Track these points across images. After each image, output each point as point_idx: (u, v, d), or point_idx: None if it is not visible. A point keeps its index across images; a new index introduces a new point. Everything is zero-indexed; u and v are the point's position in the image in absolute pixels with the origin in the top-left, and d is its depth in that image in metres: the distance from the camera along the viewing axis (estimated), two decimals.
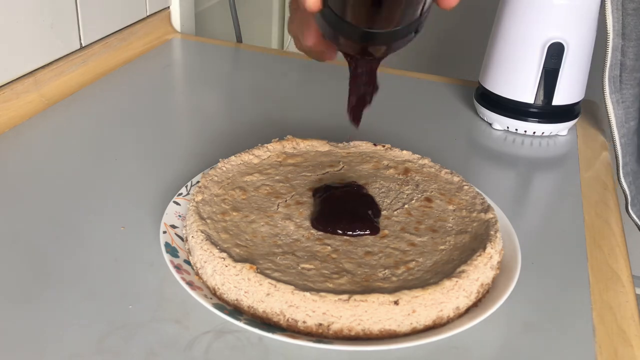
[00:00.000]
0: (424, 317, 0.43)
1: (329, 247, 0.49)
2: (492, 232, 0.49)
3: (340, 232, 0.50)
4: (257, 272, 0.44)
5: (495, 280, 0.48)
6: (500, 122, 0.77)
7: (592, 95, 0.82)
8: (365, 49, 0.43)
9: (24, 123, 0.71)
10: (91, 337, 0.43)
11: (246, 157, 0.59)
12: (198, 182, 0.56)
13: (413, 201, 0.55)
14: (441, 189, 0.57)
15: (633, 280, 0.54)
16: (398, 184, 0.57)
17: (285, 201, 0.54)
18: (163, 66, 0.93)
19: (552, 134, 0.77)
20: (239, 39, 1.08)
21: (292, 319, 0.43)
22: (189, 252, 0.49)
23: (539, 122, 0.75)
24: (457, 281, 0.44)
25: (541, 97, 0.74)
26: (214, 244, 0.47)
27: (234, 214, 0.52)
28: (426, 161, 0.60)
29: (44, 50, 0.77)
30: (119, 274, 0.49)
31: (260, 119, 0.77)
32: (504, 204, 0.58)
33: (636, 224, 0.80)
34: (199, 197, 0.52)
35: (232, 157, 0.59)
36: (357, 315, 0.42)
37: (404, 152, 0.61)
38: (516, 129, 0.76)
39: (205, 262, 0.46)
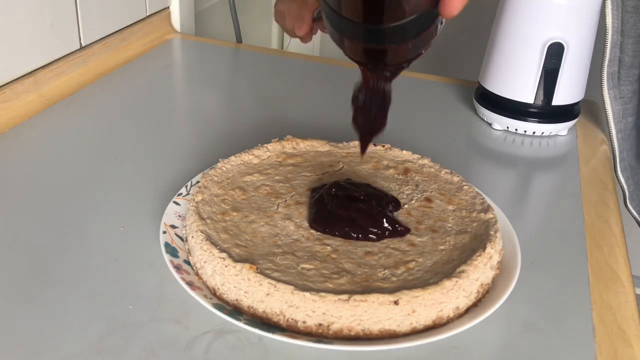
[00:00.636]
0: (424, 317, 0.43)
1: (329, 247, 0.49)
2: (492, 232, 0.49)
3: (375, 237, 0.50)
4: (257, 272, 0.44)
5: (495, 280, 0.48)
6: (500, 122, 0.77)
7: (592, 95, 0.82)
8: (371, 52, 0.41)
9: (24, 123, 0.71)
10: (91, 337, 0.43)
11: (246, 157, 0.59)
12: (198, 182, 0.56)
13: (413, 201, 0.55)
14: (441, 189, 0.57)
15: (633, 280, 0.54)
16: (398, 184, 0.57)
17: (285, 201, 0.54)
18: (163, 66, 0.93)
19: (552, 134, 0.77)
20: (239, 39, 1.08)
21: (292, 319, 0.43)
22: (188, 252, 0.49)
23: (538, 122, 0.75)
24: (457, 281, 0.44)
25: (541, 97, 0.74)
26: (214, 244, 0.47)
27: (234, 214, 0.52)
28: (426, 161, 0.60)
29: (44, 50, 0.77)
30: (119, 274, 0.49)
31: (260, 119, 0.77)
32: (504, 204, 0.58)
33: (635, 219, 0.80)
34: (199, 197, 0.52)
35: (232, 157, 0.59)
36: (357, 315, 0.42)
37: (404, 152, 0.61)
38: (516, 129, 0.76)
39: (205, 262, 0.46)
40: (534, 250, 0.54)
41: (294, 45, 1.50)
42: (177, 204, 0.55)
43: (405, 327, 0.43)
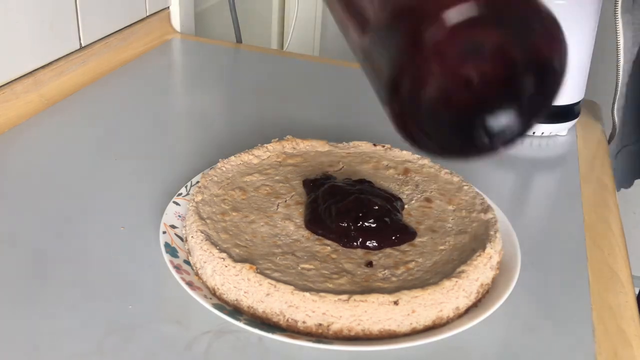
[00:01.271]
0: (424, 317, 0.43)
1: (329, 248, 0.49)
2: (491, 232, 0.49)
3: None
4: (257, 272, 0.44)
5: (495, 280, 0.48)
6: None
7: (592, 95, 0.81)
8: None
9: (24, 123, 0.71)
10: (91, 337, 0.43)
11: (246, 157, 0.59)
12: (198, 182, 0.56)
13: (413, 201, 0.55)
14: (441, 189, 0.57)
15: (633, 280, 0.54)
16: (398, 184, 0.57)
17: (285, 201, 0.54)
18: (163, 66, 0.93)
19: (552, 134, 0.77)
20: (239, 39, 1.08)
21: (291, 319, 0.43)
22: (188, 252, 0.49)
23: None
24: (456, 281, 0.44)
25: None
26: (214, 244, 0.47)
27: (234, 214, 0.52)
28: (426, 161, 0.60)
29: (43, 50, 0.77)
30: (119, 274, 0.49)
31: (260, 119, 0.77)
32: (504, 204, 0.58)
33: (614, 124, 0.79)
34: (199, 197, 0.52)
35: (232, 158, 0.59)
36: (357, 315, 0.42)
37: (404, 152, 0.61)
38: None
39: (205, 262, 0.46)
40: (534, 250, 0.54)
41: (294, 45, 1.50)
42: (177, 204, 0.55)
43: (405, 327, 0.43)
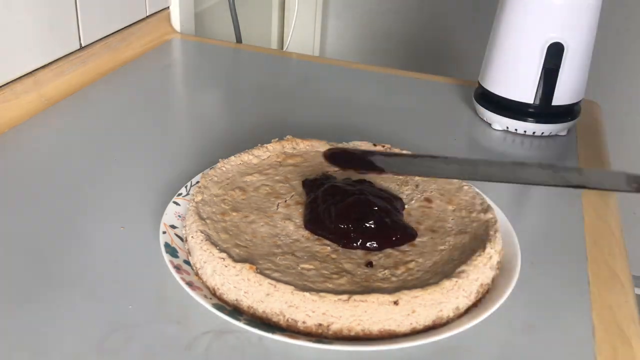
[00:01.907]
0: (424, 317, 0.43)
1: (329, 248, 0.49)
2: (491, 233, 0.49)
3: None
4: (257, 273, 0.44)
5: (495, 280, 0.48)
6: (500, 122, 0.77)
7: (592, 95, 0.82)
8: None
9: (24, 123, 0.71)
10: (91, 337, 0.43)
11: (246, 157, 0.59)
12: (198, 182, 0.56)
13: (413, 201, 0.55)
14: (441, 189, 0.57)
15: (632, 280, 0.54)
16: (398, 184, 0.57)
17: (285, 201, 0.54)
18: (163, 66, 0.93)
19: (551, 134, 0.77)
20: (239, 39, 1.08)
21: (291, 319, 0.43)
22: (188, 252, 0.49)
23: (538, 122, 0.75)
24: (456, 281, 0.44)
25: (541, 97, 0.74)
26: (214, 244, 0.47)
27: (234, 214, 0.52)
28: None
29: (43, 50, 0.77)
30: (119, 274, 0.49)
31: (260, 119, 0.77)
32: (504, 204, 0.58)
33: None
34: (199, 198, 0.52)
35: (232, 157, 0.59)
36: (357, 315, 0.42)
37: (404, 152, 0.61)
38: (516, 129, 0.76)
39: (205, 262, 0.46)
40: (534, 250, 0.54)
41: (294, 45, 1.50)
42: (177, 204, 0.55)
43: (405, 327, 0.43)
